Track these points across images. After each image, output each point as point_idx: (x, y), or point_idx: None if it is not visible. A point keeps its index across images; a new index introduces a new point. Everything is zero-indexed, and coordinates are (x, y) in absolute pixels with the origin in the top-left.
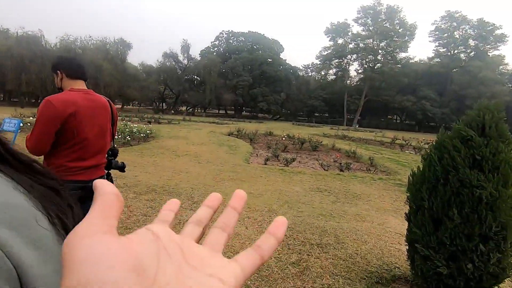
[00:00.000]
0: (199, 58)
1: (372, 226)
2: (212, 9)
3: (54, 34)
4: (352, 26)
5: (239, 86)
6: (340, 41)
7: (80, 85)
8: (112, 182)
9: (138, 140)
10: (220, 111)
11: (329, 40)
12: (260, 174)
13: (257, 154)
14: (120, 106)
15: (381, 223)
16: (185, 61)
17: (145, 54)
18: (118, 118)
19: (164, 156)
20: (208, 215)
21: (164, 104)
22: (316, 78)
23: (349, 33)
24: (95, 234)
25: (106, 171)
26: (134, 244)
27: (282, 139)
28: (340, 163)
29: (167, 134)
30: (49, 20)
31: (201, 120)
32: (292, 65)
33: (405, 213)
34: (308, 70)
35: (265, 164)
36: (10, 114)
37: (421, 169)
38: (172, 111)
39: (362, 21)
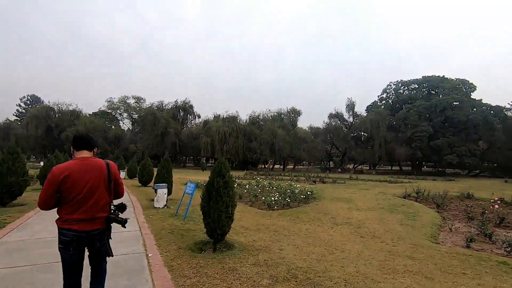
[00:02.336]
0: (365, 115)
1: None
2: (378, 65)
3: (245, 112)
4: None
5: (415, 138)
6: None
7: (83, 153)
8: (109, 237)
9: (299, 202)
10: (394, 168)
11: None
12: (463, 268)
13: (450, 228)
14: (292, 166)
15: None
16: (351, 119)
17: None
18: (287, 177)
19: (320, 223)
20: None
21: (331, 162)
22: None
23: None
24: None
25: (106, 225)
26: None
27: (493, 206)
28: None
29: (329, 195)
30: (241, 103)
31: (370, 179)
32: (493, 105)
33: None
34: None
35: (467, 247)
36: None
37: None
38: (339, 169)
39: None
